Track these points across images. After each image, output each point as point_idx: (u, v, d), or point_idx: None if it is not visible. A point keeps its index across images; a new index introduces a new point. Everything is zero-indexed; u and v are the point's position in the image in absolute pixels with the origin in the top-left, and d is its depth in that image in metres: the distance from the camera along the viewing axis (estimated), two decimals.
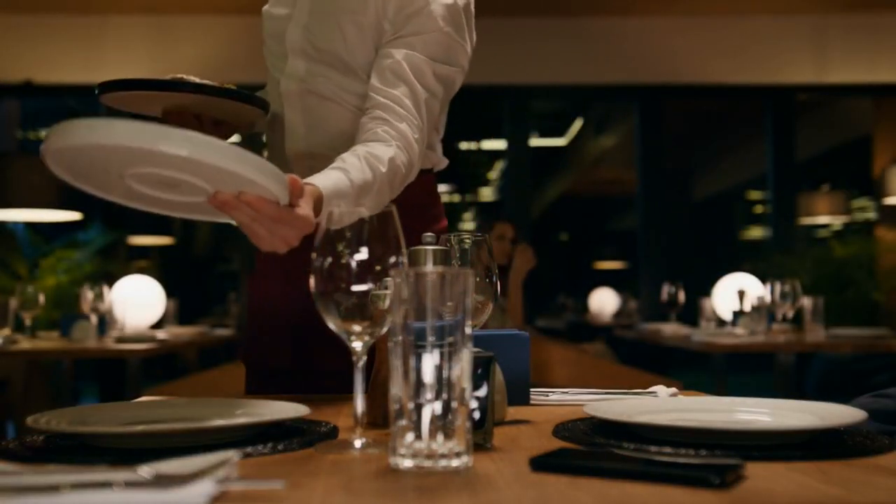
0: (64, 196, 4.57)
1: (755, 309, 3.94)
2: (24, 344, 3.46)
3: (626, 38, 5.96)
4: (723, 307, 4.58)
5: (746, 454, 0.82)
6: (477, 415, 0.91)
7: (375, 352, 1.14)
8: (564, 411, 1.19)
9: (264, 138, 1.71)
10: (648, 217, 6.14)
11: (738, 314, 4.20)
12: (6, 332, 3.51)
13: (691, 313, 4.69)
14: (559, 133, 13.40)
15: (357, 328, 0.93)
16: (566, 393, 1.35)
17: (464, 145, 14.59)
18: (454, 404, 0.78)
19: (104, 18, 5.74)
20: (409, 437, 0.78)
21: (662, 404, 1.09)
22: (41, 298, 3.83)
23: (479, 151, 14.78)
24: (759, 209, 13.38)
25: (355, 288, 0.92)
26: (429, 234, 1.14)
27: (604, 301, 8.51)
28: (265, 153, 1.68)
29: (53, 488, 0.66)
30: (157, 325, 4.42)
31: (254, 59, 1.93)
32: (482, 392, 0.92)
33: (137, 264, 6.05)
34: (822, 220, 6.28)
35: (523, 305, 4.06)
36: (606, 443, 0.90)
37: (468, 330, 0.79)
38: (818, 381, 4.92)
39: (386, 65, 1.46)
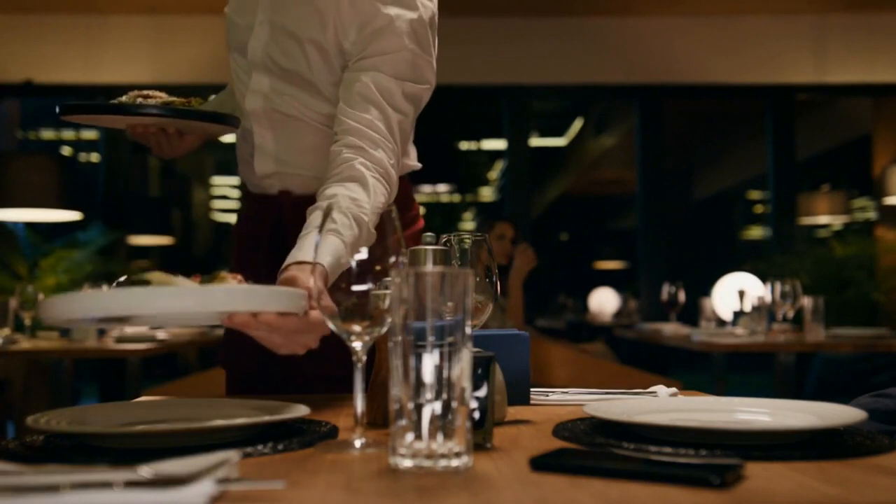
0: (64, 196, 4.57)
1: (755, 309, 3.94)
2: (24, 344, 3.46)
3: (626, 38, 5.96)
4: (723, 307, 4.59)
5: (746, 454, 0.82)
6: (477, 415, 0.91)
7: (375, 352, 1.14)
8: (564, 411, 1.19)
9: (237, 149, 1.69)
10: (648, 217, 6.14)
11: (738, 314, 4.21)
12: (6, 332, 3.51)
13: (691, 313, 4.69)
14: (559, 133, 13.41)
15: (357, 328, 0.93)
16: (566, 393, 1.35)
17: (464, 145, 14.59)
18: (454, 404, 0.78)
19: (104, 18, 5.74)
20: (409, 437, 0.78)
21: (662, 404, 1.09)
22: (41, 298, 3.82)
23: (479, 151, 14.78)
24: (759, 209, 13.39)
25: (355, 288, 0.93)
26: (429, 234, 1.14)
27: (604, 301, 8.52)
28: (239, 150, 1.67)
29: (53, 488, 0.66)
30: (157, 325, 4.42)
31: None
32: (482, 392, 0.92)
33: (137, 264, 6.05)
34: (822, 220, 6.28)
35: (523, 305, 4.06)
36: (606, 443, 0.90)
37: (468, 330, 0.79)
38: (818, 381, 4.92)
39: (355, 89, 1.42)
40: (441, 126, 12.04)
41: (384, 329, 0.93)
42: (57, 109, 1.48)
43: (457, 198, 15.87)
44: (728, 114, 9.33)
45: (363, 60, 1.44)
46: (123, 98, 1.49)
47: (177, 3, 5.57)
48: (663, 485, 0.72)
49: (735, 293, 4.25)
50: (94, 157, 9.22)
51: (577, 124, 12.64)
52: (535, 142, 12.72)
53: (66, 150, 10.50)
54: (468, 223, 15.66)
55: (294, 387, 1.49)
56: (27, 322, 3.78)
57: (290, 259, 1.24)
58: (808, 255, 5.94)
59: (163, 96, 1.51)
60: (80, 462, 0.84)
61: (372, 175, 1.36)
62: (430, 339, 0.78)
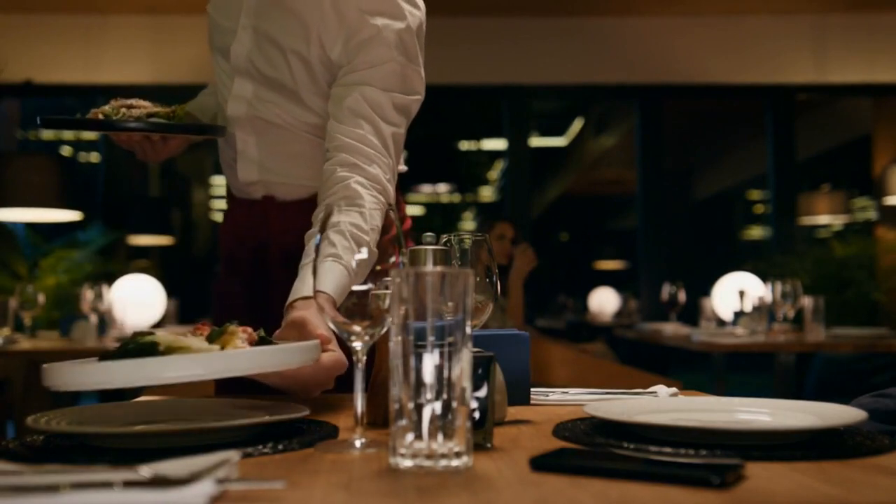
0: (64, 196, 4.56)
1: (755, 309, 3.94)
2: (24, 344, 3.46)
3: (626, 38, 5.96)
4: (723, 307, 4.58)
5: (746, 454, 0.82)
6: (477, 415, 0.91)
7: (375, 352, 1.14)
8: (564, 411, 1.19)
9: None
10: (648, 217, 6.14)
11: (738, 314, 4.21)
12: (6, 332, 3.51)
13: (691, 313, 4.69)
14: (559, 133, 13.42)
15: (357, 328, 0.93)
16: (566, 393, 1.35)
17: (464, 145, 14.60)
18: (454, 404, 0.78)
19: (104, 18, 5.74)
20: (409, 437, 0.78)
21: (662, 404, 1.09)
22: (41, 298, 3.83)
23: (479, 151, 14.79)
24: (759, 209, 13.38)
25: (355, 288, 0.92)
26: (429, 234, 1.14)
27: (604, 301, 8.52)
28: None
29: (53, 488, 0.66)
30: (158, 325, 4.42)
31: None
32: (482, 392, 0.92)
33: (137, 264, 6.04)
34: (823, 220, 6.28)
35: (523, 305, 4.06)
36: (606, 443, 0.90)
37: (468, 330, 0.79)
38: (818, 381, 4.92)
39: (345, 104, 1.40)
40: (441, 126, 12.05)
41: (384, 329, 0.93)
42: (38, 121, 1.48)
43: (457, 198, 15.87)
44: (728, 114, 9.33)
45: (351, 74, 1.41)
46: (107, 108, 1.46)
47: (177, 3, 5.57)
48: (663, 485, 0.72)
49: (735, 293, 4.25)
50: (94, 157, 9.23)
51: (577, 124, 12.64)
52: (535, 142, 12.72)
53: (66, 150, 10.49)
54: (468, 223, 15.67)
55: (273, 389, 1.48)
56: (27, 322, 3.78)
57: (294, 294, 1.24)
58: (808, 255, 5.94)
59: (146, 105, 1.49)
60: (80, 462, 0.84)
61: (369, 193, 1.34)
62: (430, 339, 0.78)
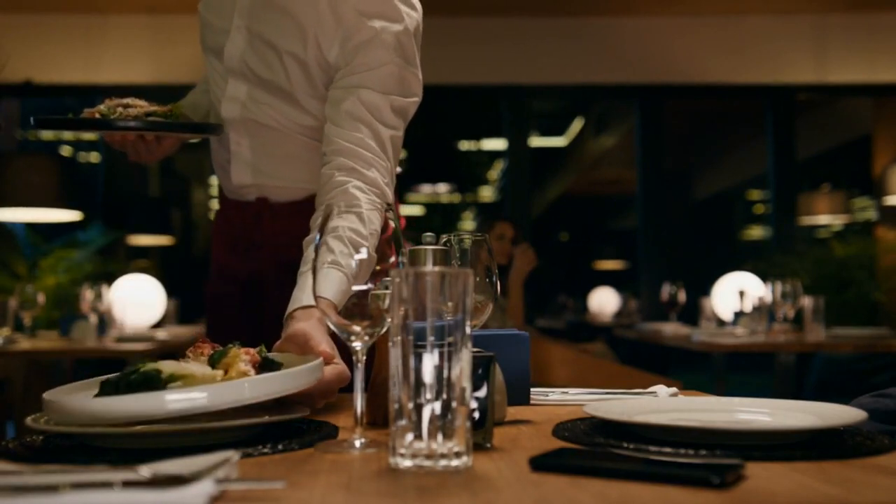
0: (64, 196, 4.57)
1: (756, 309, 3.94)
2: (24, 344, 3.46)
3: (626, 38, 5.96)
4: (723, 307, 4.59)
5: (746, 454, 0.82)
6: (477, 415, 0.91)
7: (375, 352, 1.14)
8: (564, 411, 1.19)
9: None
10: (648, 217, 6.14)
11: (738, 314, 4.21)
12: (6, 331, 3.51)
13: (691, 313, 4.69)
14: (559, 133, 13.42)
15: (357, 328, 0.93)
16: (566, 393, 1.35)
17: (464, 145, 14.60)
18: (454, 404, 0.78)
19: (104, 18, 5.74)
20: (409, 437, 0.78)
21: (662, 404, 1.09)
22: (41, 298, 3.83)
23: (479, 151, 14.79)
24: (759, 209, 13.38)
25: (355, 288, 0.92)
26: (429, 234, 1.14)
27: (604, 301, 8.52)
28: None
29: (53, 488, 0.66)
30: (158, 325, 4.42)
31: None
32: (482, 392, 0.92)
33: (137, 264, 6.05)
34: (823, 219, 6.28)
35: (523, 305, 4.06)
36: (606, 443, 0.90)
37: (468, 330, 0.79)
38: (818, 381, 4.92)
39: (343, 108, 1.39)
40: (441, 126, 12.05)
41: (384, 329, 0.93)
42: (31, 121, 1.47)
43: (457, 198, 15.87)
44: (728, 114, 9.33)
45: (349, 77, 1.40)
46: (102, 107, 1.45)
47: (177, 3, 5.57)
48: (663, 485, 0.72)
49: (735, 293, 4.25)
50: (94, 157, 9.22)
51: (577, 124, 12.64)
52: (535, 142, 12.72)
53: (66, 150, 10.49)
54: (468, 223, 15.67)
55: None
56: (27, 322, 3.78)
57: (294, 303, 1.23)
58: (808, 255, 5.94)
59: (142, 104, 1.48)
60: (80, 462, 0.84)
61: (367, 197, 1.34)
62: (430, 339, 0.78)
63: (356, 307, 0.92)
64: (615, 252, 11.97)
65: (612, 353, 5.64)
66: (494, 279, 1.16)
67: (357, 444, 0.90)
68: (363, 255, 1.02)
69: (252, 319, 1.59)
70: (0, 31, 5.66)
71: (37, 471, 0.70)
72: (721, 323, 4.56)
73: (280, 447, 0.90)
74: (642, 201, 6.14)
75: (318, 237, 0.98)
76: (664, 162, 6.23)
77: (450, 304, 0.78)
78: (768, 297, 3.76)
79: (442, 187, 15.37)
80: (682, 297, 4.41)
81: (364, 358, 0.94)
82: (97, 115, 1.45)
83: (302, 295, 1.23)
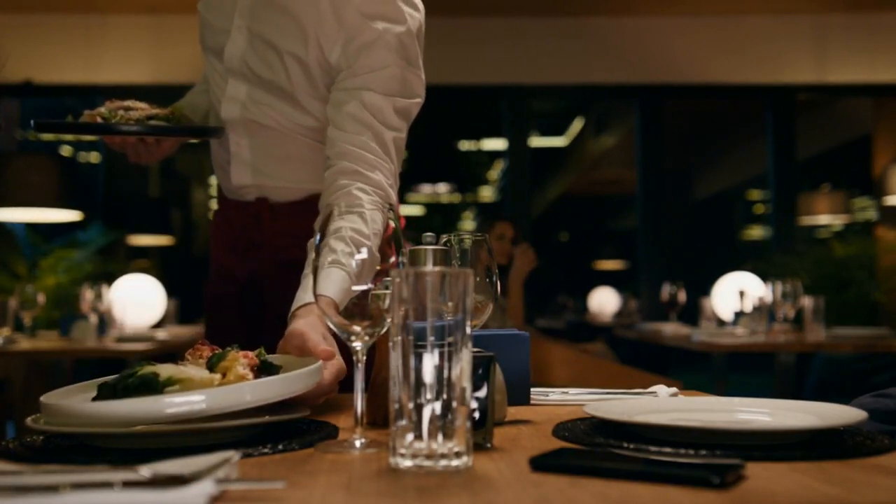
0: (64, 196, 4.57)
1: (756, 309, 3.94)
2: (24, 344, 3.46)
3: (626, 38, 5.96)
4: (723, 307, 4.59)
5: (746, 454, 0.82)
6: (477, 415, 0.91)
7: (375, 352, 1.14)
8: (564, 411, 1.19)
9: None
10: (648, 217, 6.14)
11: (738, 314, 4.21)
12: (6, 331, 3.51)
13: (691, 313, 4.69)
14: (559, 133, 13.42)
15: (357, 328, 0.93)
16: (566, 393, 1.35)
17: (464, 145, 14.60)
18: (454, 404, 0.78)
19: (104, 18, 5.74)
20: (409, 437, 0.78)
21: (662, 404, 1.09)
22: (41, 298, 3.83)
23: (479, 151, 14.80)
24: (759, 209, 13.38)
25: (355, 288, 0.92)
26: (429, 234, 1.14)
27: (604, 301, 8.52)
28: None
29: (53, 488, 0.66)
30: (158, 325, 4.42)
31: None
32: (482, 392, 0.92)
33: (137, 264, 6.05)
34: (823, 219, 6.28)
35: (523, 305, 4.06)
36: (606, 443, 0.90)
37: (468, 330, 0.79)
38: (818, 381, 4.92)
39: (345, 110, 1.38)
40: (441, 126, 12.05)
41: (384, 329, 0.93)
42: (31, 124, 1.47)
43: (457, 198, 15.87)
44: (728, 114, 9.33)
45: (351, 78, 1.39)
46: (103, 110, 1.45)
47: (177, 3, 5.57)
48: (663, 485, 0.72)
49: (735, 293, 4.25)
50: (94, 157, 9.22)
51: (577, 124, 12.64)
52: (535, 142, 12.73)
53: (66, 151, 10.49)
54: (468, 223, 15.67)
55: None
56: (27, 322, 3.78)
57: (297, 302, 1.23)
58: (808, 255, 5.94)
59: (143, 106, 1.47)
60: (80, 462, 0.84)
61: (370, 198, 1.33)
62: (430, 339, 0.78)
63: (356, 307, 0.92)
64: (615, 252, 11.97)
65: (612, 353, 5.64)
66: (494, 279, 1.16)
67: (357, 444, 0.90)
68: (364, 254, 1.02)
69: (251, 320, 1.59)
70: (0, 31, 5.66)
71: (37, 471, 0.70)
72: (721, 323, 4.56)
73: (280, 447, 0.90)
74: (642, 201, 6.14)
75: (318, 238, 0.98)
76: (664, 162, 6.23)
77: (450, 304, 0.78)
78: (768, 297, 3.76)
79: (442, 187, 15.38)
80: (682, 297, 4.41)
81: (364, 358, 0.94)
82: (98, 118, 1.45)
83: (304, 295, 1.23)
